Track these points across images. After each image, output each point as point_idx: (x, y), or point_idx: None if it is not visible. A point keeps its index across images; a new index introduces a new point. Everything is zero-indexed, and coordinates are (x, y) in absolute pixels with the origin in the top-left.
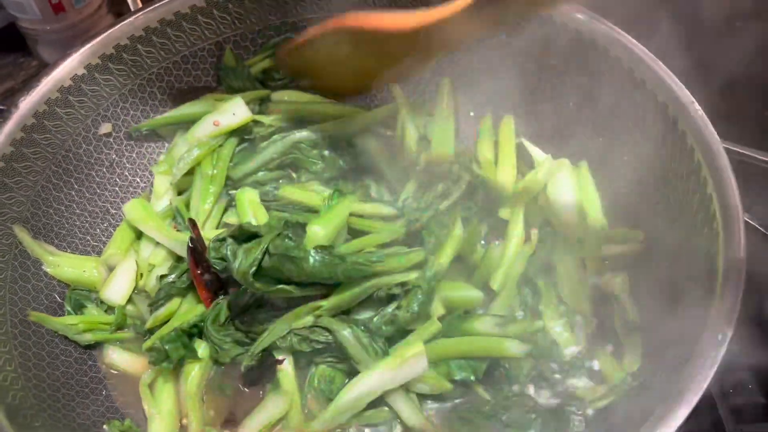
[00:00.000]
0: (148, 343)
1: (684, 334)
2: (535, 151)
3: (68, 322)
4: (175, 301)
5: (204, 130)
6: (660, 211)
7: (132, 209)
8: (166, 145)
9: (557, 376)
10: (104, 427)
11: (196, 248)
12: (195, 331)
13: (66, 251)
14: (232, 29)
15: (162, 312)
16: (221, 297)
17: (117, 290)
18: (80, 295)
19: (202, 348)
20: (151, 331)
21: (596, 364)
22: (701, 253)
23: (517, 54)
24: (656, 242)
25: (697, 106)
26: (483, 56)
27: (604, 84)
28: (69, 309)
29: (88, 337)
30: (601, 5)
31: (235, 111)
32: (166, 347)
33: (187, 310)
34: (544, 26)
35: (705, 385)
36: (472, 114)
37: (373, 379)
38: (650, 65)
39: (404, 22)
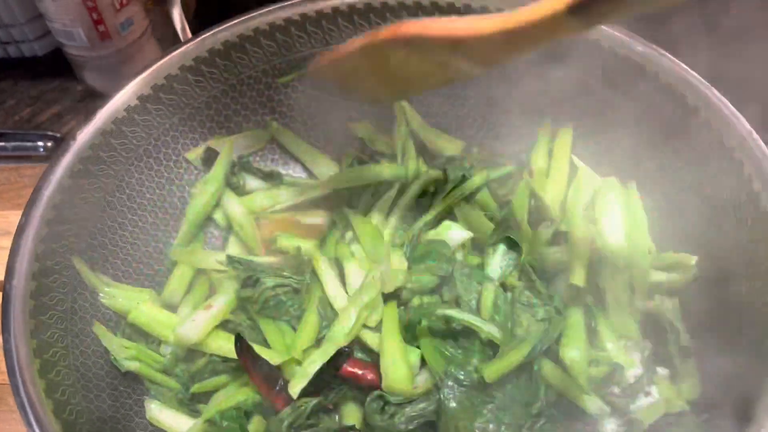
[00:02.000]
0: (206, 415)
1: (744, 366)
2: (582, 166)
3: (123, 345)
4: (222, 378)
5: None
6: (714, 238)
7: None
8: None
9: (621, 400)
10: None
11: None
12: (254, 410)
13: (121, 281)
14: (279, 56)
15: (209, 382)
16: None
17: (192, 329)
18: (133, 331)
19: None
20: (194, 394)
21: (654, 390)
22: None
23: (571, 68)
24: (710, 268)
25: (756, 135)
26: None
27: (655, 108)
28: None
29: (135, 365)
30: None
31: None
32: (224, 425)
33: (241, 391)
34: (593, 52)
35: None
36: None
37: None
38: (706, 94)
39: (482, 27)
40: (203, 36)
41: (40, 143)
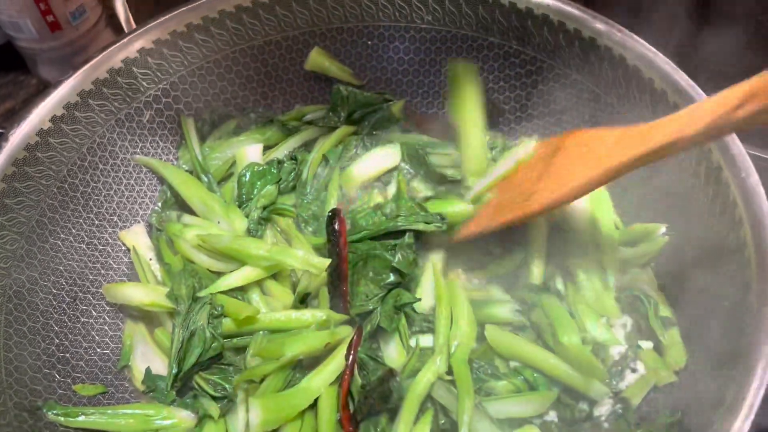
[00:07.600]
0: None
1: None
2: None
3: None
4: None
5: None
6: (679, 210)
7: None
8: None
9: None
10: None
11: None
12: None
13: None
14: (231, 46)
15: None
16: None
17: None
18: None
19: None
20: None
21: (640, 366)
22: (728, 249)
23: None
24: (680, 237)
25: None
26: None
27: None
28: None
29: None
30: None
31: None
32: None
33: None
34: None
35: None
36: None
37: None
38: (660, 66)
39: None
40: (149, 26)
41: None
